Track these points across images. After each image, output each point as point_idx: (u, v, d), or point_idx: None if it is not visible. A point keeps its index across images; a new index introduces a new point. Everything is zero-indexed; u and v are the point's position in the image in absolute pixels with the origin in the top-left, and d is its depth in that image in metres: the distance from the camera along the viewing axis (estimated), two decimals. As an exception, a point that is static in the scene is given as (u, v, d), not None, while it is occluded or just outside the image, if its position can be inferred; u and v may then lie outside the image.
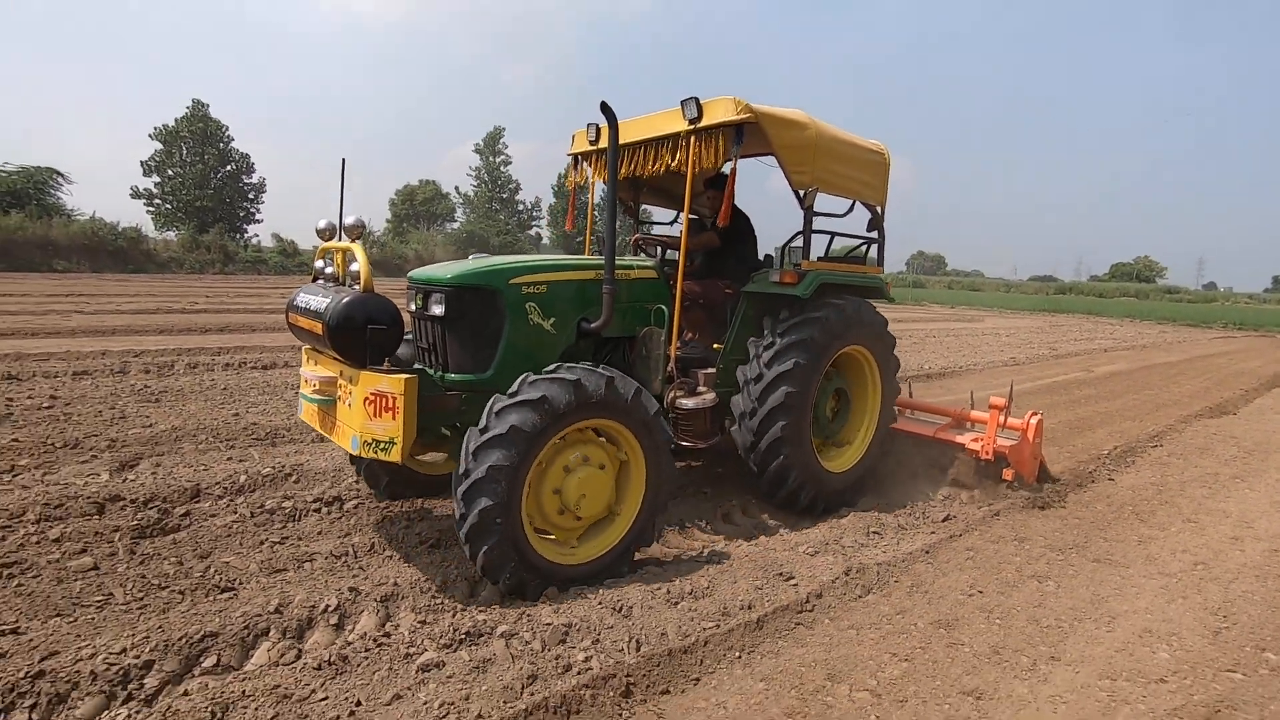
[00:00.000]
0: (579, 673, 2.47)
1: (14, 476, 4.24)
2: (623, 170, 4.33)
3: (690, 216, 4.34)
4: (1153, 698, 2.59)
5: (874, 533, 4.07)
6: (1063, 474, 5.43)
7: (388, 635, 2.69)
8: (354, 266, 3.25)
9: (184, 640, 2.56)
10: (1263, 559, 3.98)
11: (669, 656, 2.61)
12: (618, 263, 3.87)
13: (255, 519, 3.77)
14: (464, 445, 2.95)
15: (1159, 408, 8.83)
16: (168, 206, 40.46)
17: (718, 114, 3.84)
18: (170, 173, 40.43)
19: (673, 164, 4.07)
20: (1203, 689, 2.66)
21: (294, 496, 4.08)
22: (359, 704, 2.24)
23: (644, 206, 5.62)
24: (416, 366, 3.45)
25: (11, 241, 26.78)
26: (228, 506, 3.93)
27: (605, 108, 3.56)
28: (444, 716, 2.18)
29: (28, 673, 2.31)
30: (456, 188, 59.70)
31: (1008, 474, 4.66)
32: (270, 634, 2.68)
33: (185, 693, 2.32)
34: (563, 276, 3.79)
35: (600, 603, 2.97)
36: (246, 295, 19.60)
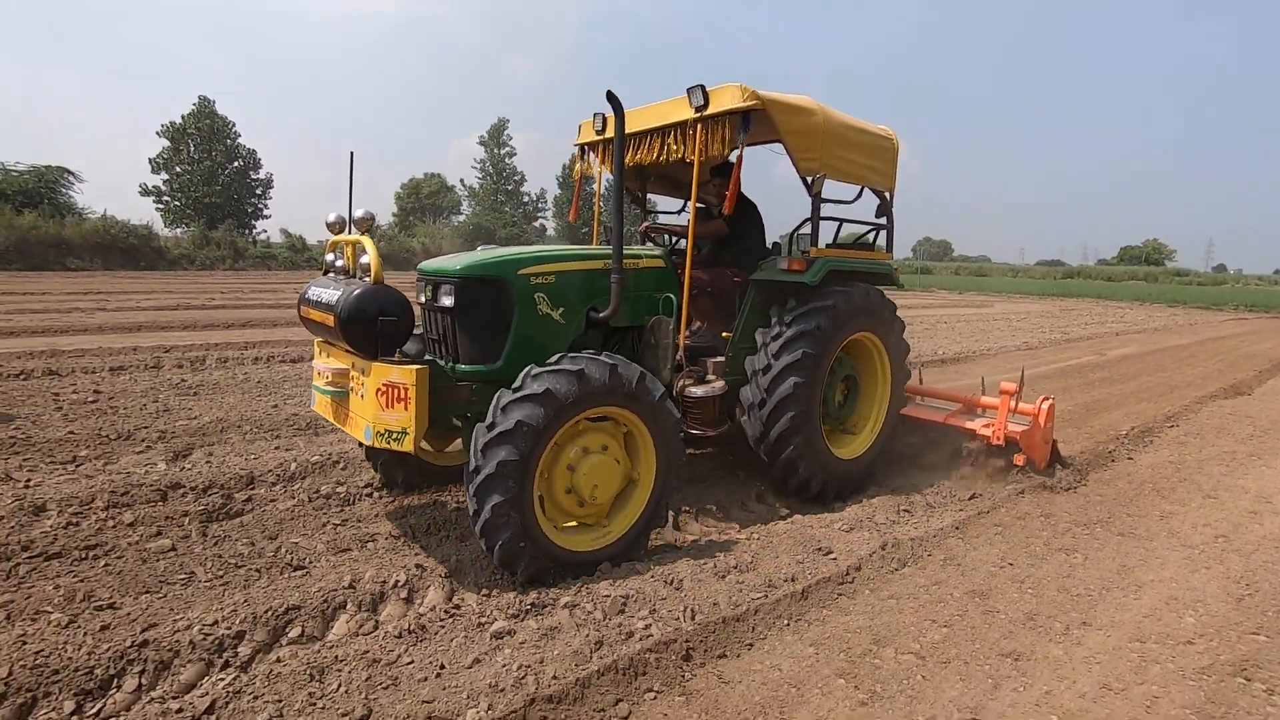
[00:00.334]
0: (641, 639, 2.63)
1: (77, 467, 4.43)
2: (629, 159, 4.29)
3: (697, 205, 4.35)
4: (1181, 658, 2.74)
5: (904, 510, 4.22)
6: (1083, 453, 5.55)
7: (457, 607, 2.86)
8: (364, 259, 3.27)
9: (269, 613, 2.73)
10: (1282, 531, 4.11)
11: (723, 624, 2.77)
12: (625, 252, 3.86)
13: (313, 503, 3.95)
14: (473, 441, 2.98)
15: (1173, 389, 8.92)
16: (176, 203, 40.70)
17: (724, 101, 3.84)
18: (178, 170, 40.64)
19: (679, 153, 4.07)
20: (1228, 650, 2.80)
21: (346, 483, 4.26)
22: (443, 667, 2.40)
23: (649, 196, 5.59)
24: (427, 358, 3.47)
25: (26, 241, 27.03)
26: (284, 492, 4.11)
27: (611, 97, 3.54)
28: (523, 678, 2.35)
29: (133, 642, 2.48)
30: (461, 180, 59.84)
31: (1019, 459, 4.69)
32: (347, 607, 2.85)
33: (278, 659, 2.50)
34: (571, 266, 3.80)
35: (653, 576, 3.13)
36: (261, 291, 19.78)
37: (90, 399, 6.15)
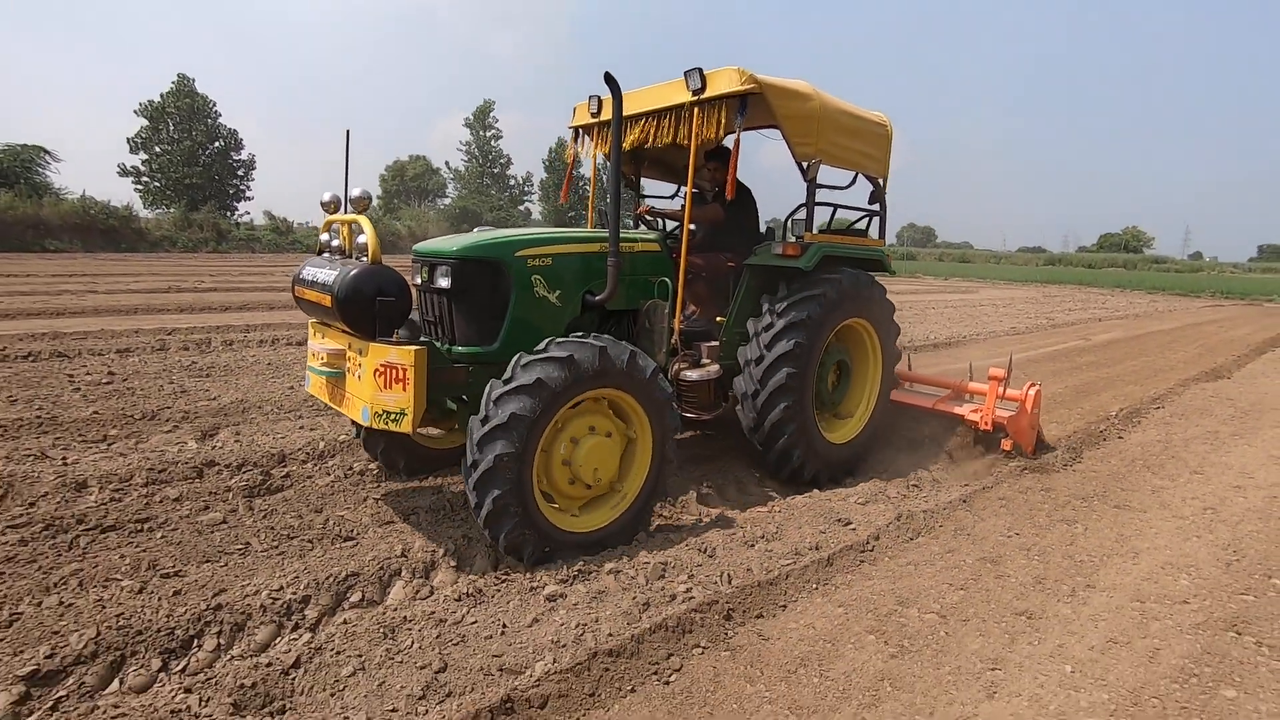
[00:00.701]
0: (683, 601, 2.81)
1: (109, 445, 4.51)
2: (625, 142, 4.23)
3: (692, 190, 4.34)
4: (1179, 615, 2.98)
5: (913, 485, 4.44)
6: (1076, 433, 5.81)
7: (507, 573, 3.02)
8: (361, 239, 3.23)
9: (330, 579, 2.88)
10: (1264, 504, 4.38)
11: (757, 588, 2.96)
12: (622, 236, 3.84)
13: (349, 479, 4.07)
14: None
15: (1157, 373, 9.26)
16: (156, 184, 39.89)
17: (721, 85, 3.82)
18: (158, 150, 39.79)
19: (676, 136, 4.05)
20: (1220, 608, 3.05)
21: (378, 460, 4.37)
22: (505, 626, 2.57)
23: (641, 180, 5.46)
24: (423, 339, 3.42)
25: (3, 222, 26.43)
26: (319, 469, 4.23)
27: (609, 78, 3.50)
28: (581, 635, 2.52)
29: (207, 606, 2.62)
30: (447, 163, 59.16)
31: (1006, 444, 4.79)
32: (402, 574, 3.00)
33: (344, 621, 2.64)
34: (568, 249, 3.79)
35: (687, 545, 3.31)
36: (250, 274, 19.59)
37: (105, 380, 6.18)
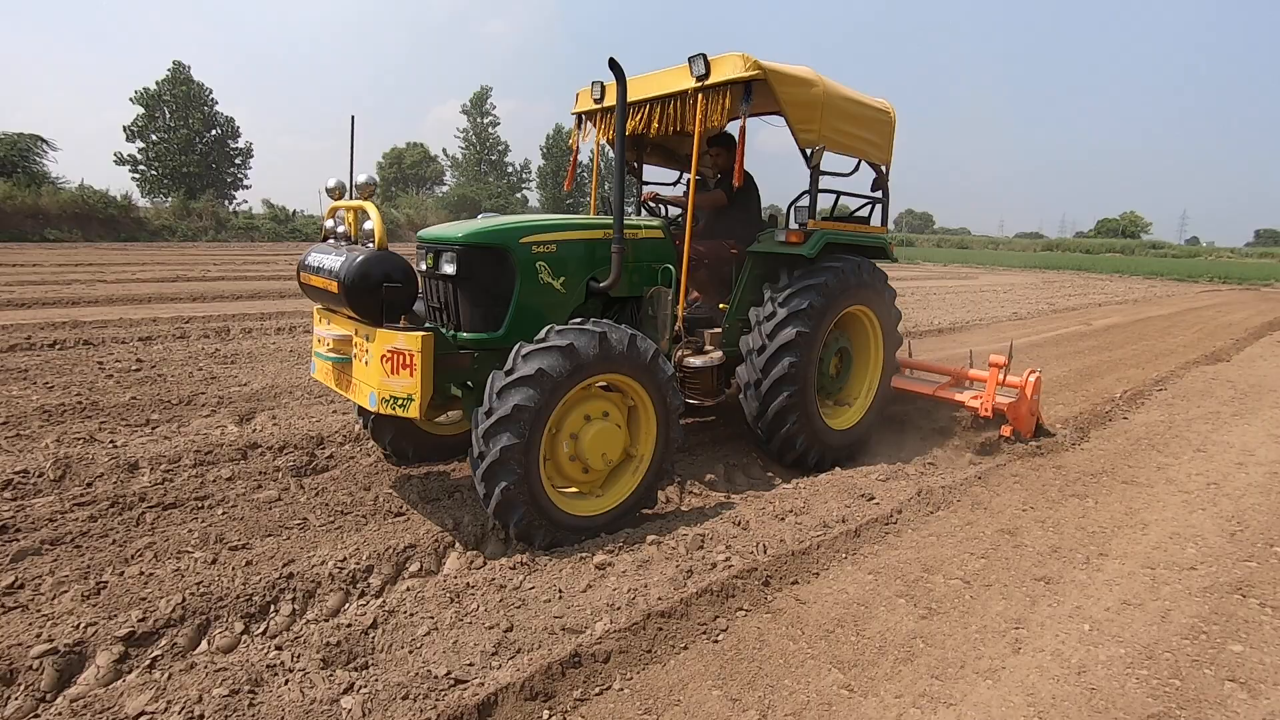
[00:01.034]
0: (724, 568, 2.98)
1: (153, 429, 4.66)
2: (627, 129, 4.20)
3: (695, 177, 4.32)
4: (1187, 580, 3.16)
5: (929, 464, 4.62)
6: (1082, 414, 5.99)
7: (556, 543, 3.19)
8: (367, 225, 3.23)
9: (389, 551, 3.05)
10: (1265, 479, 4.58)
11: (791, 557, 3.14)
12: (625, 223, 3.84)
13: (389, 459, 4.23)
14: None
15: (1158, 356, 9.45)
16: (153, 173, 39.75)
17: (726, 71, 3.82)
18: (154, 138, 39.60)
19: (680, 123, 4.05)
20: (1226, 573, 3.24)
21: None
22: (561, 592, 2.74)
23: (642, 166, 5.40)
24: (428, 325, 3.45)
25: (2, 211, 26.36)
26: (359, 450, 4.39)
27: (614, 64, 3.49)
28: (633, 599, 2.69)
29: (279, 575, 2.79)
30: (444, 150, 58.90)
31: (1005, 430, 4.87)
32: (455, 545, 3.18)
33: (408, 589, 2.81)
34: (572, 236, 3.78)
35: (721, 519, 3.49)
36: (253, 263, 19.61)
37: (134, 367, 6.32)
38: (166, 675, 2.22)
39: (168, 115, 39.77)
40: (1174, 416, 6.14)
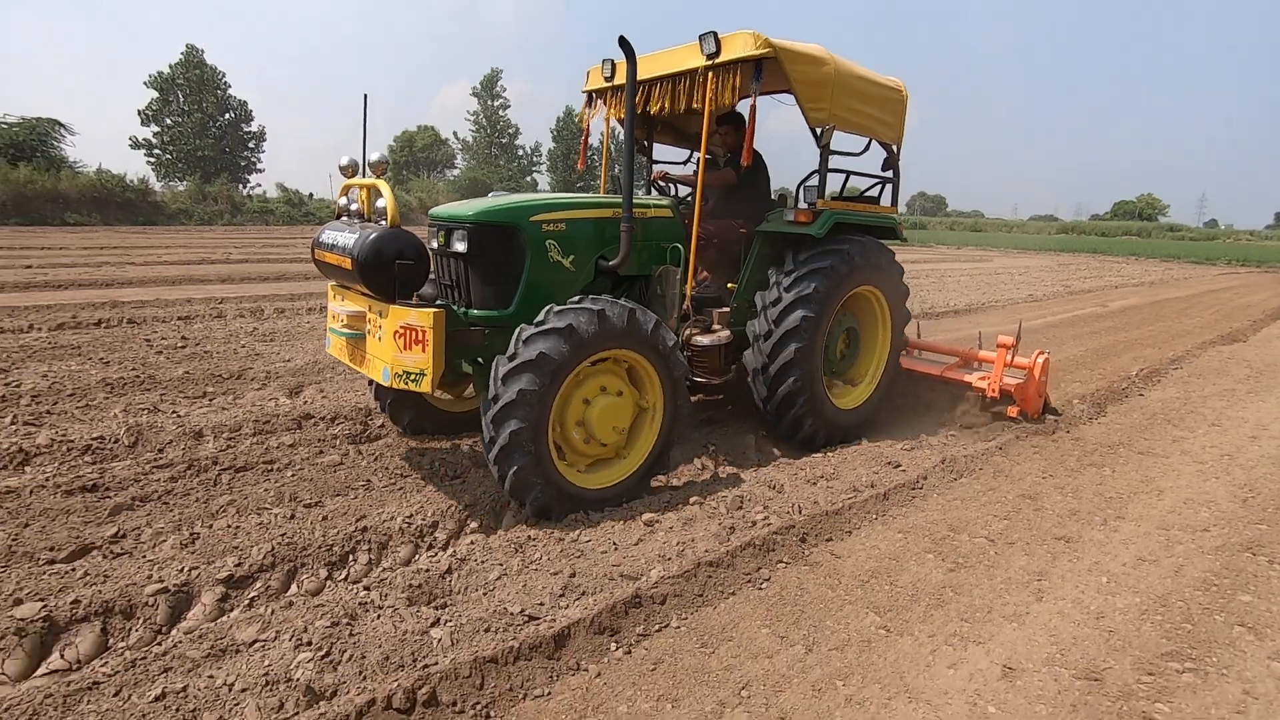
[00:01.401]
0: (763, 526, 3.20)
1: (211, 401, 4.91)
2: (639, 107, 4.18)
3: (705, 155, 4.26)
4: (1200, 540, 3.35)
5: (951, 435, 4.80)
6: (1099, 391, 6.14)
7: (604, 503, 3.42)
8: (380, 203, 3.28)
9: (451, 508, 3.28)
10: (1277, 452, 4.73)
11: (825, 516, 3.35)
12: (635, 201, 3.84)
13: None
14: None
15: (1174, 337, 9.54)
16: (168, 157, 40.08)
17: (736, 49, 3.79)
18: (169, 122, 39.87)
19: (690, 101, 4.02)
20: (1237, 535, 3.42)
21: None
22: (615, 545, 2.96)
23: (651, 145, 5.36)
24: (440, 302, 3.50)
25: (22, 195, 26.69)
26: (407, 421, 4.62)
27: (624, 42, 3.49)
28: (683, 551, 2.91)
29: (354, 529, 3.03)
30: (455, 133, 58.84)
31: (1012, 411, 4.90)
32: (512, 505, 3.40)
33: (472, 542, 3.05)
34: (582, 214, 3.79)
35: (758, 483, 3.70)
36: (271, 245, 19.87)
37: (180, 344, 6.58)
38: (270, 611, 2.47)
39: (181, 99, 40.00)
40: (1190, 393, 6.28)
